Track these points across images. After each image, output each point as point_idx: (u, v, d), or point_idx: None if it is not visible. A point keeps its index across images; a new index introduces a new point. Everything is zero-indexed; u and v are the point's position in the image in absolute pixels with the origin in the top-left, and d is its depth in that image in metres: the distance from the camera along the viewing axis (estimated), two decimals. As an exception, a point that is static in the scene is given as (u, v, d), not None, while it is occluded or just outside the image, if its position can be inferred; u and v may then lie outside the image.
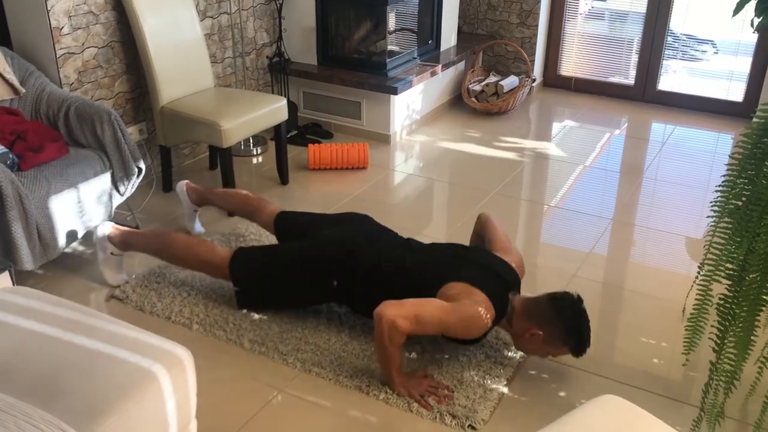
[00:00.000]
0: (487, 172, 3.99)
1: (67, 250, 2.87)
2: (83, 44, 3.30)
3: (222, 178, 3.45)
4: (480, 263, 2.44)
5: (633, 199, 3.73)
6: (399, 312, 2.17)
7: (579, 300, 2.33)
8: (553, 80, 5.45)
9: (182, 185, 3.16)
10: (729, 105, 4.91)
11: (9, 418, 1.42)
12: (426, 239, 3.24)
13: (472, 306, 2.24)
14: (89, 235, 3.12)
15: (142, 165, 3.05)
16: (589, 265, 3.10)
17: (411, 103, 4.48)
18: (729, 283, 1.82)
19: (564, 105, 5.15)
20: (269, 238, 3.16)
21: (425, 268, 2.45)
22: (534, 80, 5.12)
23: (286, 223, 2.83)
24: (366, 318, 2.60)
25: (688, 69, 5.38)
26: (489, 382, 2.36)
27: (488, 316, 2.27)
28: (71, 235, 2.83)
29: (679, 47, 5.27)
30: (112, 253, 2.82)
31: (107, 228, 2.82)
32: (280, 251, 2.67)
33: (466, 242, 2.92)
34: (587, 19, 5.35)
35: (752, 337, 1.80)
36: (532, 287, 2.93)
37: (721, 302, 1.85)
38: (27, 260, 2.63)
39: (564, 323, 2.30)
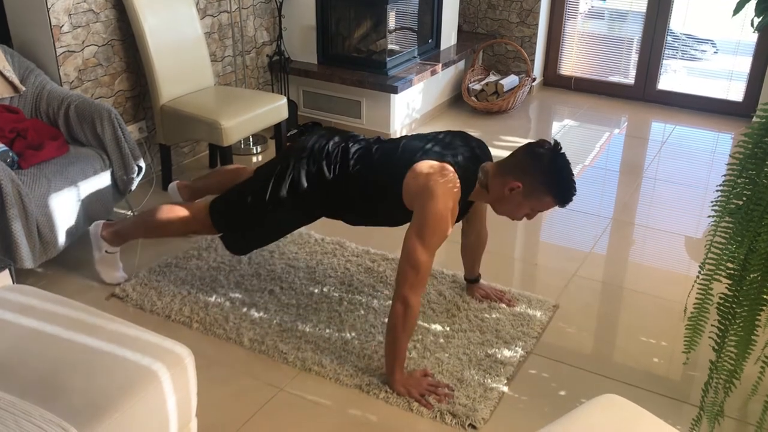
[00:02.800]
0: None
1: (67, 248, 2.87)
2: (83, 42, 3.30)
3: (222, 176, 3.45)
4: (443, 142, 2.39)
5: (633, 199, 3.73)
6: (403, 291, 2.18)
7: (557, 143, 2.25)
8: (553, 79, 5.45)
9: (173, 186, 3.16)
10: (729, 104, 4.91)
11: (9, 417, 1.42)
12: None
13: (431, 202, 2.17)
14: (89, 233, 3.12)
15: (142, 163, 3.05)
16: (589, 264, 3.11)
17: (411, 102, 4.48)
18: (729, 282, 1.83)
19: (564, 104, 5.15)
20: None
21: (393, 150, 2.41)
22: (534, 79, 5.12)
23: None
24: (346, 216, 2.55)
25: (688, 68, 5.38)
26: (489, 381, 2.36)
27: (450, 183, 2.20)
28: (71, 234, 2.83)
29: (679, 47, 5.28)
30: (107, 251, 2.82)
31: (99, 227, 2.82)
32: (251, 178, 2.62)
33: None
34: (587, 18, 5.35)
35: (753, 337, 1.80)
36: (531, 287, 2.93)
37: (722, 301, 1.85)
38: (27, 258, 2.62)
39: (543, 168, 2.21)
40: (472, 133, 2.56)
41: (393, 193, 2.31)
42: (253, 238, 2.67)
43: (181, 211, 2.67)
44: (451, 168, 2.24)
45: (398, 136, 2.57)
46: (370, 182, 2.40)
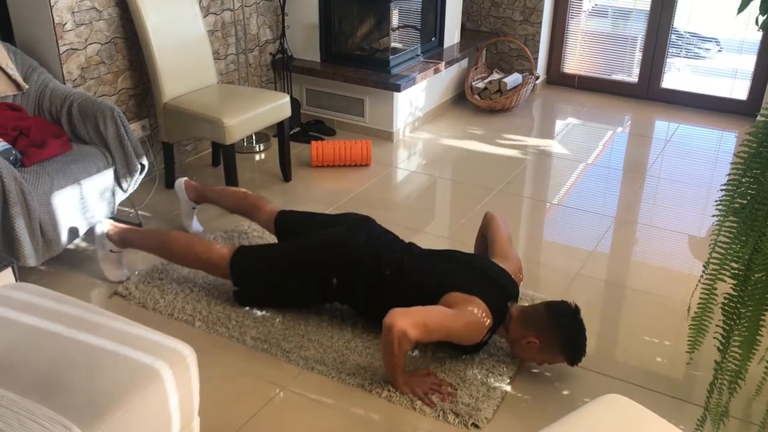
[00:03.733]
0: (490, 170, 3.98)
1: (70, 246, 2.87)
2: (86, 40, 3.30)
3: (225, 174, 3.44)
4: (480, 272, 2.45)
5: (636, 197, 3.72)
6: (409, 321, 2.17)
7: (576, 309, 2.34)
8: (557, 78, 5.43)
9: (180, 182, 3.16)
10: (733, 103, 4.90)
11: (11, 415, 1.42)
12: (428, 237, 3.24)
13: (472, 313, 2.27)
14: (92, 231, 3.12)
15: (145, 161, 3.05)
16: (592, 263, 3.10)
17: (414, 101, 4.47)
18: (734, 282, 1.82)
19: (567, 102, 5.14)
20: (272, 237, 3.15)
21: (425, 275, 2.46)
22: (537, 78, 5.11)
23: (286, 223, 2.82)
24: (368, 319, 2.60)
25: (691, 67, 5.37)
26: (492, 380, 2.35)
27: (487, 323, 2.30)
28: (74, 232, 2.83)
29: (683, 45, 5.26)
30: (111, 251, 2.82)
31: (105, 226, 2.82)
32: (280, 250, 2.67)
33: (471, 240, 2.91)
34: (591, 16, 5.34)
35: (757, 337, 1.80)
36: (535, 286, 2.93)
37: (727, 302, 1.84)
38: (30, 256, 2.62)
39: (560, 332, 2.31)
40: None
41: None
42: (265, 301, 2.71)
43: (201, 249, 2.65)
44: (485, 306, 2.31)
45: (428, 249, 2.66)
46: (401, 299, 2.41)
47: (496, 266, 2.50)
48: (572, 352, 2.33)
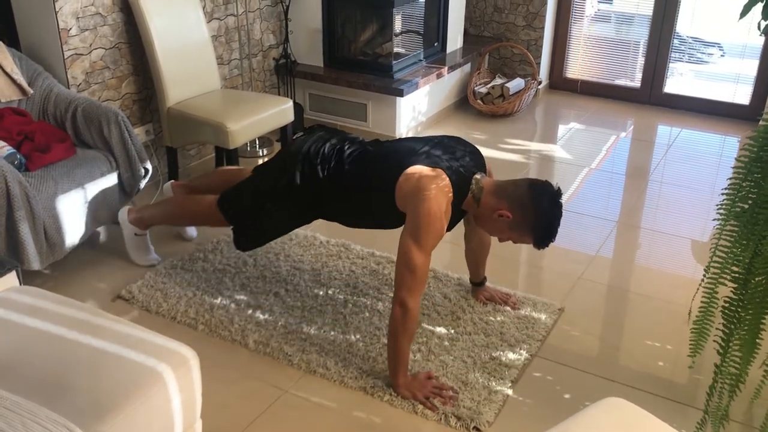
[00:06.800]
0: (493, 174, 3.98)
1: (74, 250, 2.88)
2: (91, 45, 3.32)
3: (228, 179, 3.46)
4: (438, 147, 2.42)
5: (639, 202, 3.72)
6: (401, 293, 2.18)
7: (558, 192, 2.30)
8: (559, 83, 5.44)
9: (168, 186, 3.18)
10: (735, 108, 4.90)
11: (15, 417, 1.43)
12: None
13: (424, 203, 2.17)
14: (96, 235, 3.14)
15: (149, 166, 3.06)
16: (594, 267, 3.10)
17: (417, 105, 4.49)
18: (735, 286, 1.82)
19: (570, 107, 5.15)
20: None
21: (386, 156, 2.44)
22: (540, 83, 5.12)
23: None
24: (344, 226, 2.63)
25: (694, 72, 5.37)
26: (494, 383, 2.36)
27: (443, 185, 2.21)
28: (78, 235, 2.84)
29: (685, 50, 5.27)
30: (136, 234, 2.94)
31: (125, 211, 2.95)
32: (251, 178, 2.70)
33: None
34: (593, 21, 5.35)
35: (757, 340, 1.80)
36: (537, 290, 2.93)
37: (727, 305, 1.85)
38: (34, 260, 2.64)
39: (537, 211, 2.26)
40: (477, 137, 2.57)
41: (386, 194, 2.32)
42: (254, 236, 2.73)
43: (196, 202, 2.83)
44: (443, 173, 2.25)
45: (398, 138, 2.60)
46: (363, 183, 2.42)
47: (461, 144, 2.46)
48: (543, 234, 2.28)
